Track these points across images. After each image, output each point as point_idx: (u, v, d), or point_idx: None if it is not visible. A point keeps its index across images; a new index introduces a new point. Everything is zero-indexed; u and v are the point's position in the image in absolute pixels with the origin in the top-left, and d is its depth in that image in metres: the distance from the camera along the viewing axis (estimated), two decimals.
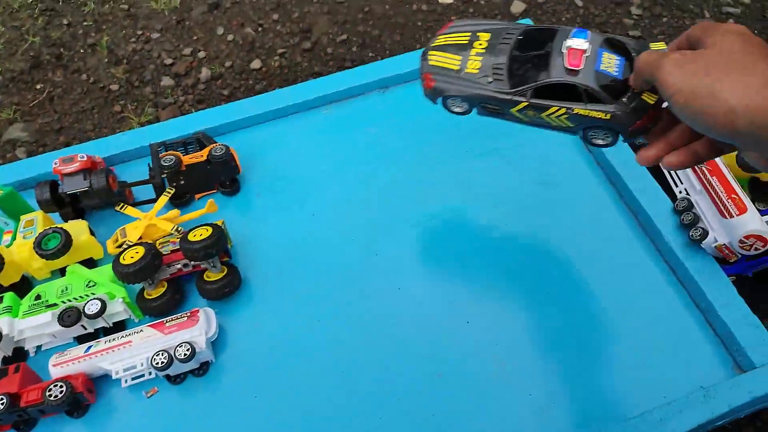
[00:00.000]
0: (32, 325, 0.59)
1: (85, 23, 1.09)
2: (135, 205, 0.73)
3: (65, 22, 1.09)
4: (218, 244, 0.61)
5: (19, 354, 0.62)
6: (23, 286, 0.66)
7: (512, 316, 0.64)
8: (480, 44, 0.52)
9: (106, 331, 0.63)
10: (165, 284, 0.64)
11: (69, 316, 0.59)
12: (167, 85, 0.98)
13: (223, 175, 0.73)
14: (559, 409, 0.58)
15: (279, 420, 0.58)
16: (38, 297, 0.61)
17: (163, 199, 0.69)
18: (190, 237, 0.61)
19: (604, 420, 0.57)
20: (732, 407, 0.56)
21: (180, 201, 0.74)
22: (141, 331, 0.59)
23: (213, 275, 0.64)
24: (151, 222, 0.67)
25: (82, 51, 1.04)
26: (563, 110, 0.47)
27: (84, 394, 0.57)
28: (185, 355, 0.57)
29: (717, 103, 0.36)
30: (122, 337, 0.59)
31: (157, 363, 0.57)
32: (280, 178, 0.77)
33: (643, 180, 0.72)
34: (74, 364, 0.58)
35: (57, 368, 0.57)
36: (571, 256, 0.68)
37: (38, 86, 0.98)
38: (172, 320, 0.60)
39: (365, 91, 0.87)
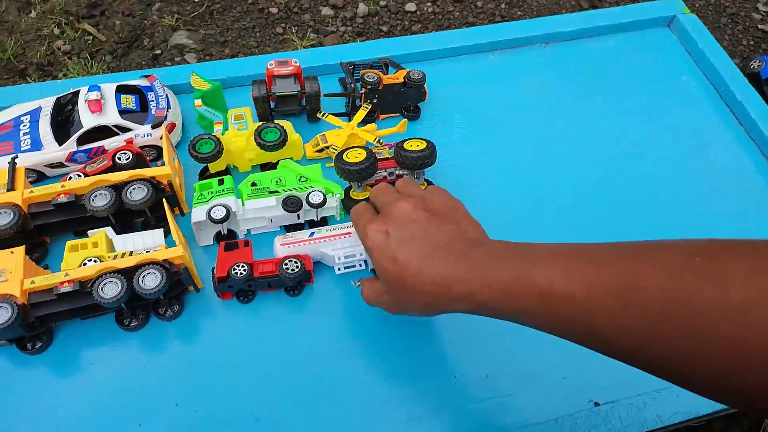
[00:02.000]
0: (258, 207, 0.63)
1: None
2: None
3: None
4: (433, 157, 0.65)
5: (229, 235, 0.66)
6: (226, 175, 0.70)
7: None
8: None
9: (311, 224, 0.67)
10: (369, 188, 0.68)
11: (292, 203, 0.63)
12: (327, 15, 1.01)
13: (411, 100, 0.77)
14: None
15: None
16: (254, 184, 0.65)
17: (362, 113, 0.73)
18: (406, 146, 0.65)
19: None
20: None
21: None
22: None
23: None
24: (353, 131, 0.71)
25: None
26: None
27: (310, 273, 0.61)
28: None
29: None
30: (342, 228, 0.63)
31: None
32: (456, 111, 0.81)
33: None
34: (300, 246, 0.62)
35: (284, 247, 0.62)
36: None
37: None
38: None
39: (527, 44, 0.91)
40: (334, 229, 0.63)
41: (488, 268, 0.42)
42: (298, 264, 0.59)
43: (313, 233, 0.63)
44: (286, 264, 0.59)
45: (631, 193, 0.74)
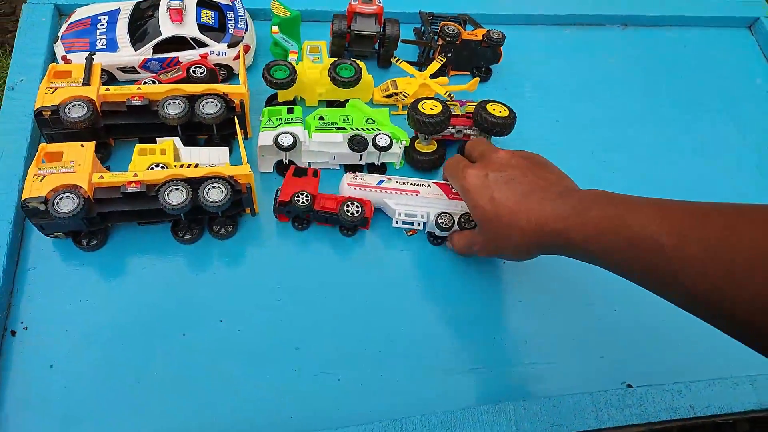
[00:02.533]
0: (324, 141, 0.63)
1: None
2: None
3: None
4: (510, 128, 0.64)
5: (290, 165, 0.66)
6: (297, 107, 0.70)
7: None
8: None
9: (370, 168, 0.67)
10: (434, 143, 0.67)
11: (359, 143, 0.63)
12: None
13: (486, 60, 0.76)
14: None
15: None
16: (322, 118, 0.65)
17: (437, 64, 0.72)
18: (489, 108, 0.64)
19: None
20: None
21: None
22: (429, 186, 0.62)
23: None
24: (425, 81, 0.70)
25: None
26: None
27: (368, 220, 0.61)
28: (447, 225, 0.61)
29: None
30: (412, 184, 0.63)
31: (442, 222, 0.61)
32: (527, 78, 0.80)
33: None
34: (366, 191, 0.62)
35: (351, 188, 0.61)
36: None
37: None
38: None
39: (605, 23, 0.89)
40: (402, 183, 0.62)
41: (584, 208, 0.44)
42: (359, 209, 0.59)
43: (382, 181, 0.62)
44: (347, 206, 0.59)
45: (690, 189, 0.73)
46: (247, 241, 0.62)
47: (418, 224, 0.62)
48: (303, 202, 0.59)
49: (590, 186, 0.57)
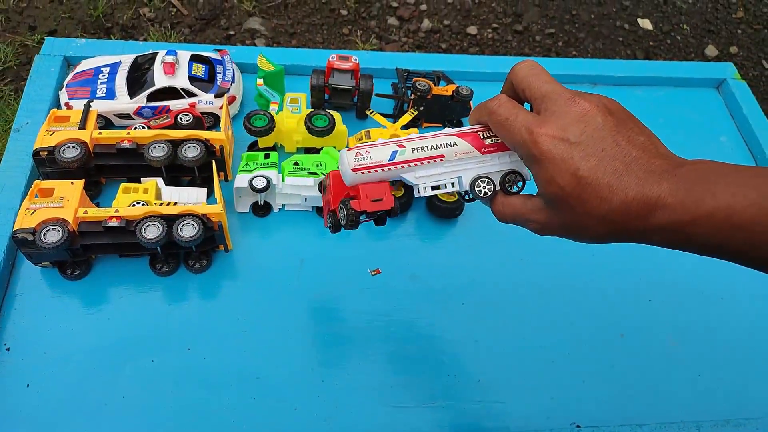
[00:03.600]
0: (296, 184, 0.68)
1: None
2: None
3: None
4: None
5: (265, 207, 0.71)
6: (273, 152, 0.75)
7: None
8: None
9: None
10: (402, 188, 0.72)
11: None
12: (392, 24, 1.07)
13: (456, 114, 0.81)
14: None
15: None
16: (296, 163, 0.70)
17: (408, 117, 0.78)
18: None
19: None
20: None
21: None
22: (455, 144, 0.46)
23: (446, 197, 0.71)
24: (396, 132, 0.76)
25: None
26: None
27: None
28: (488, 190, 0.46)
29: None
30: (432, 147, 0.46)
31: (480, 190, 0.46)
32: None
33: None
34: (377, 172, 0.46)
35: (356, 174, 0.46)
36: None
37: None
38: (492, 136, 0.46)
39: (576, 81, 0.94)
40: (421, 150, 0.46)
41: (708, 191, 0.34)
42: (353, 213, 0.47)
43: (395, 153, 0.46)
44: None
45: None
46: (220, 275, 0.66)
47: (448, 185, 0.47)
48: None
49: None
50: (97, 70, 0.76)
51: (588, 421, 0.62)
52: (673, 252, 0.38)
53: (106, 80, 0.74)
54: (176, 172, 0.70)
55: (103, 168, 0.68)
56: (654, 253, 0.48)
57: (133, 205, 0.63)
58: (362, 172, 0.46)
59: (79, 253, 0.62)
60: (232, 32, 1.03)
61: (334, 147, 0.74)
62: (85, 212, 0.60)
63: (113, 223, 0.59)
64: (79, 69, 0.77)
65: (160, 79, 0.73)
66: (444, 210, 0.71)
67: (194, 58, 0.76)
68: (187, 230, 0.60)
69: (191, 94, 0.74)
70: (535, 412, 0.62)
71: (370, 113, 0.77)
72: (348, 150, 0.46)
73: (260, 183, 0.66)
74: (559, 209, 0.39)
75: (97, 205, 0.68)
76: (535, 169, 0.39)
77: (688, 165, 0.37)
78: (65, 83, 0.75)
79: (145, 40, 1.09)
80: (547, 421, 0.62)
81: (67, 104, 0.73)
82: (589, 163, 0.36)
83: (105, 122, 0.75)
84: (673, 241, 0.36)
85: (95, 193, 0.70)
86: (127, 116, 0.74)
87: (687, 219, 0.34)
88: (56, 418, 0.56)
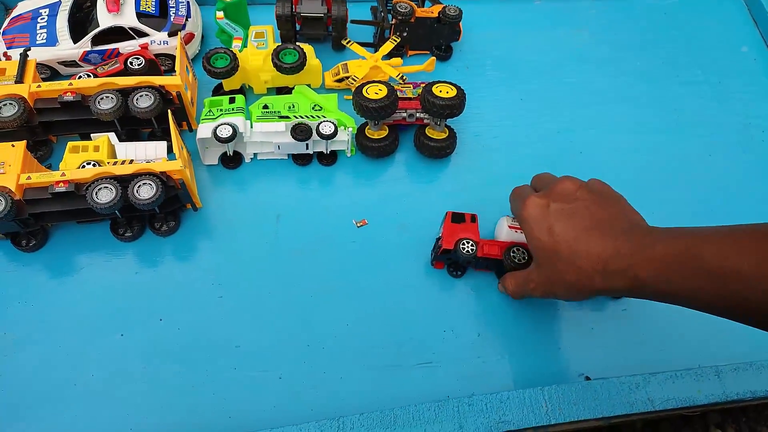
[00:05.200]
0: (265, 131, 0.61)
1: None
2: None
3: None
4: (461, 107, 0.61)
5: (235, 156, 0.64)
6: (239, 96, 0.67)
7: None
8: None
9: (320, 157, 0.65)
10: (386, 128, 0.64)
11: (302, 131, 0.61)
12: None
13: (444, 38, 0.73)
14: None
15: None
16: (266, 107, 0.63)
17: (389, 45, 0.69)
18: (435, 90, 0.60)
19: None
20: None
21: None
22: None
23: (435, 133, 0.64)
24: (376, 63, 0.67)
25: None
26: None
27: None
28: None
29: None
30: None
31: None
32: (489, 56, 0.76)
33: None
34: None
35: (512, 231, 0.57)
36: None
37: None
38: None
39: None
40: None
41: (649, 244, 0.41)
42: (525, 255, 0.55)
43: None
44: (513, 252, 0.55)
45: (667, 165, 0.69)
46: (190, 236, 0.61)
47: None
48: (468, 251, 0.56)
49: (554, 168, 0.54)
50: (36, 13, 0.67)
51: (598, 372, 0.57)
52: None
53: (45, 24, 0.66)
54: (134, 125, 0.62)
55: (50, 125, 0.61)
56: None
57: (83, 166, 0.56)
58: (516, 231, 0.57)
59: (31, 223, 0.56)
60: None
61: (308, 85, 0.66)
62: (29, 178, 0.53)
63: (61, 188, 0.53)
64: (15, 13, 0.68)
65: (104, 19, 0.64)
66: (433, 149, 0.64)
67: None
68: (145, 191, 0.54)
69: (142, 34, 0.65)
70: (541, 365, 0.57)
71: (347, 43, 0.69)
72: (505, 217, 0.58)
73: (225, 132, 0.59)
74: (542, 264, 0.48)
75: (49, 167, 0.61)
76: (524, 228, 0.49)
77: (642, 226, 0.45)
78: (1, 30, 0.67)
79: None
80: (555, 375, 0.57)
81: (5, 54, 0.65)
82: (562, 223, 0.46)
83: (51, 72, 0.67)
84: (631, 285, 0.42)
85: (46, 153, 0.63)
86: (74, 64, 0.66)
87: (634, 263, 0.41)
88: (19, 401, 0.51)
